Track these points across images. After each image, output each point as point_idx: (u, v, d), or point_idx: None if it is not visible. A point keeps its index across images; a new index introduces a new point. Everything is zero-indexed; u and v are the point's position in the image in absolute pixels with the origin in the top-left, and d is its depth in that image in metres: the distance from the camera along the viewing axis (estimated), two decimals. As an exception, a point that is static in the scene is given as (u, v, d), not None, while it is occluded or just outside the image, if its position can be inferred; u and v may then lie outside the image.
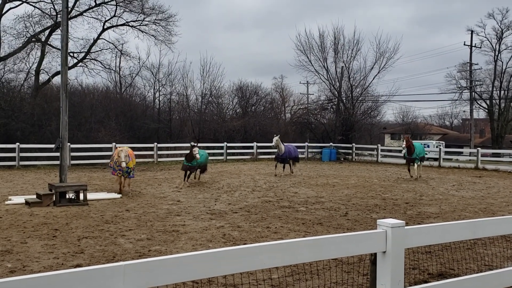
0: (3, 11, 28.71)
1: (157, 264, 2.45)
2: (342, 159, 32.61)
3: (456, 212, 11.72)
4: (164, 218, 10.37)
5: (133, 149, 27.87)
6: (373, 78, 38.50)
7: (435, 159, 29.66)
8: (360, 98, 38.92)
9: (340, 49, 38.10)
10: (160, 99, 38.51)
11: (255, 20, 68.21)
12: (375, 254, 3.71)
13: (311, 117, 40.18)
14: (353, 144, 33.25)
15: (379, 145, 32.68)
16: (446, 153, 31.59)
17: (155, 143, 27.09)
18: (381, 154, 31.60)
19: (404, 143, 19.82)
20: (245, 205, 12.39)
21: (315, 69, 38.66)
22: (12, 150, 22.70)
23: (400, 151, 33.71)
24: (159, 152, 27.13)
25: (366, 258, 6.61)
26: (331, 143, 34.00)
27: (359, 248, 3.54)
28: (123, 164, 13.46)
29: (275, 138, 20.15)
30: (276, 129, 38.25)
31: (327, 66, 38.36)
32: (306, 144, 33.43)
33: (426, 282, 5.83)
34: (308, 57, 38.29)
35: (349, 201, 13.41)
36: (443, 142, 49.48)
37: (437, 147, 36.95)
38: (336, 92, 38.92)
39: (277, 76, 66.70)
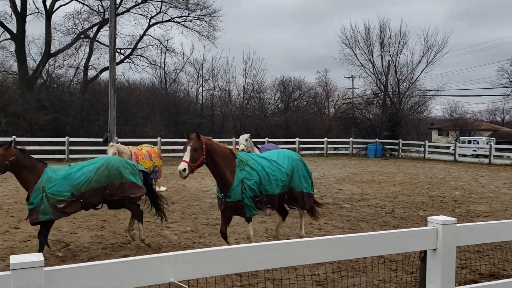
0: (54, 9, 29.82)
1: (206, 255, 2.44)
2: (388, 155, 31.90)
3: (508, 211, 11.20)
4: (208, 211, 10.45)
5: (177, 144, 28.66)
6: (421, 72, 37.46)
7: (485, 156, 28.49)
8: (407, 93, 37.93)
9: (386, 43, 37.28)
10: (203, 94, 39.01)
11: (291, 15, 67.78)
12: (425, 251, 3.58)
13: (356, 112, 39.50)
14: (400, 140, 32.45)
15: (426, 141, 31.70)
16: (497, 149, 30.25)
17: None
18: (428, 151, 30.70)
19: None
20: (288, 200, 12.30)
21: (360, 63, 38.02)
22: (62, 143, 23.57)
23: (448, 148, 32.70)
24: (203, 147, 27.37)
25: (413, 256, 6.41)
26: (376, 139, 33.32)
27: (408, 245, 3.43)
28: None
29: (244, 137, 11.85)
30: (319, 125, 37.95)
31: (373, 60, 37.64)
32: (350, 139, 32.92)
33: (476, 282, 5.58)
34: (353, 51, 37.71)
35: (395, 198, 13.08)
36: (494, 138, 47.43)
37: (487, 143, 35.46)
38: (382, 87, 38.09)
39: (321, 70, 65.99)
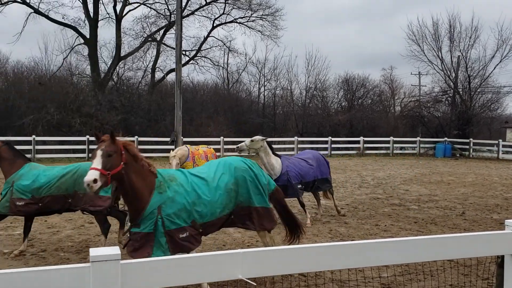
0: (124, 14, 31.21)
1: (272, 254, 2.46)
2: (457, 155, 30.47)
3: None
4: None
5: (239, 143, 28.79)
6: (494, 67, 35.35)
7: None
8: (478, 90, 35.99)
9: (456, 37, 35.56)
10: (265, 94, 39.22)
11: (353, 12, 66.24)
12: (502, 256, 3.38)
13: (424, 110, 38.01)
14: (471, 139, 30.88)
15: (500, 140, 29.91)
16: None
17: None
18: (502, 150, 28.96)
19: None
20: (352, 201, 12.10)
21: (428, 59, 36.54)
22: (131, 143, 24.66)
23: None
24: (264, 146, 27.58)
25: (486, 261, 6.07)
26: (445, 138, 31.93)
27: (484, 250, 3.23)
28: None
29: (257, 138, 9.21)
30: (385, 123, 36.93)
31: (441, 56, 36.06)
32: (417, 139, 31.78)
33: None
34: (420, 47, 36.33)
35: (466, 200, 12.46)
36: None
37: None
38: (451, 83, 36.41)
39: (386, 67, 64.20)
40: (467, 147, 30.49)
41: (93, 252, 2.08)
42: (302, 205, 9.18)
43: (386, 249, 2.90)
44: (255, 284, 2.47)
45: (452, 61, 36.07)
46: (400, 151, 31.74)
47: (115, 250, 2.08)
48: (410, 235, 8.31)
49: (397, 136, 32.82)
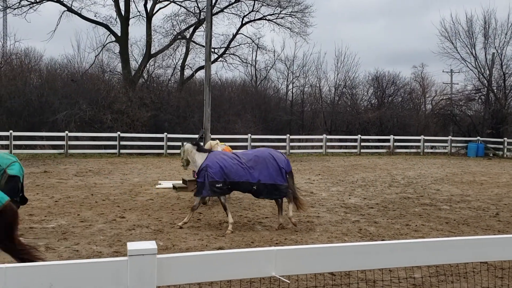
0: (154, 12, 31.59)
1: (305, 252, 2.45)
2: (491, 154, 29.67)
3: None
4: (298, 209, 10.45)
5: (266, 140, 29.10)
6: (532, 64, 34.21)
7: None
8: (514, 88, 34.92)
9: (491, 34, 34.55)
10: (293, 91, 39.04)
11: (383, 8, 65.04)
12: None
13: (455, 109, 37.13)
14: (505, 138, 29.98)
15: (536, 140, 28.98)
16: None
17: (287, 135, 27.57)
18: (538, 151, 28.05)
19: None
20: (382, 200, 11.94)
21: (461, 56, 35.63)
22: (161, 139, 24.99)
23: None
24: (291, 144, 27.60)
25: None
26: (478, 137, 31.13)
27: (523, 253, 3.14)
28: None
29: (183, 149, 9.43)
30: (415, 122, 36.25)
31: (475, 53, 35.11)
32: (449, 138, 31.10)
33: None
34: (453, 44, 35.47)
35: (500, 201, 12.14)
36: None
37: None
38: (485, 81, 35.45)
39: (417, 64, 63.00)
40: (501, 146, 29.64)
41: (131, 246, 2.12)
42: (224, 207, 8.32)
43: (418, 250, 2.86)
44: (289, 281, 2.47)
45: (486, 59, 35.10)
46: (431, 150, 31.11)
47: (152, 245, 2.12)
48: (442, 235, 8.15)
49: (428, 135, 32.18)
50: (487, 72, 35.21)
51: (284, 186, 8.29)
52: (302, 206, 8.57)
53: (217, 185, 8.00)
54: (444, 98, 39.89)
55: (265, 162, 8.22)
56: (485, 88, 35.65)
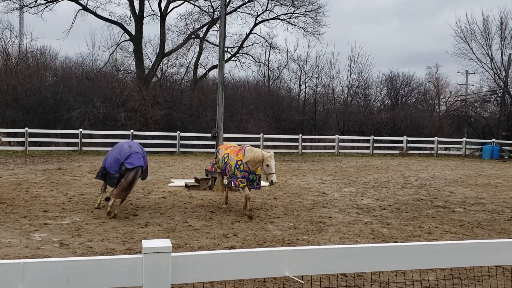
0: (168, 11, 31.74)
1: (318, 253, 2.45)
2: (506, 157, 29.28)
3: None
4: (310, 209, 10.45)
5: (279, 140, 29.15)
6: (548, 66, 33.69)
7: None
8: (530, 90, 34.43)
9: (508, 35, 34.11)
10: (306, 91, 38.95)
11: (394, 9, 64.38)
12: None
13: (470, 110, 36.70)
14: (520, 140, 29.61)
15: (552, 143, 28.53)
16: None
17: (300, 135, 27.53)
18: (555, 153, 27.61)
19: None
20: (395, 201, 11.86)
21: (476, 57, 35.22)
22: (173, 137, 25.11)
23: None
24: (303, 144, 27.55)
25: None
26: (493, 139, 30.73)
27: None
28: (275, 178, 9.17)
29: None
30: (429, 123, 35.91)
31: (491, 54, 34.67)
32: (463, 139, 30.77)
33: None
34: (469, 44, 35.07)
35: (515, 204, 11.97)
36: None
37: None
38: (501, 83, 34.99)
39: (431, 65, 62.48)
40: (517, 149, 29.25)
41: (146, 244, 2.13)
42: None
43: (431, 252, 2.83)
44: (303, 282, 2.46)
45: (502, 60, 34.66)
46: (445, 152, 30.81)
47: (167, 243, 2.13)
48: (455, 238, 8.08)
49: (442, 136, 31.87)
50: (503, 73, 34.76)
51: (113, 174, 9.12)
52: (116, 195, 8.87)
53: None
54: (459, 99, 39.45)
55: (113, 151, 9.44)
56: (501, 90, 35.19)
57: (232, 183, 10.06)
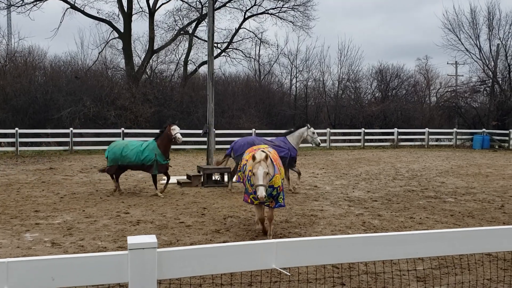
0: (157, 7, 31.56)
1: (305, 244, 2.46)
2: (496, 146, 29.53)
3: None
4: (302, 203, 10.48)
5: (271, 135, 29.13)
6: (537, 55, 33.95)
7: None
8: (519, 79, 34.70)
9: (496, 25, 34.29)
10: (297, 85, 38.96)
11: (369, 7, 64.32)
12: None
13: (460, 101, 36.93)
14: (510, 130, 29.83)
15: (542, 131, 28.80)
16: None
17: (291, 129, 27.51)
18: (544, 142, 27.89)
19: None
20: (386, 193, 11.93)
21: (465, 48, 35.39)
22: (165, 135, 25.01)
23: None
24: (296, 138, 27.52)
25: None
26: (483, 129, 30.98)
27: (525, 244, 3.13)
28: (261, 192, 6.50)
29: None
30: (420, 114, 36.06)
31: (479, 44, 34.86)
32: (454, 130, 30.98)
33: None
34: (457, 36, 35.22)
35: (505, 193, 12.09)
36: None
37: None
38: (490, 73, 35.22)
39: (421, 57, 62.70)
40: (507, 138, 29.48)
41: (131, 240, 2.13)
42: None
43: (421, 241, 2.85)
44: (289, 274, 2.48)
45: (491, 50, 34.88)
46: (436, 143, 31.02)
47: (152, 239, 2.13)
48: (446, 228, 8.14)
49: (432, 128, 32.07)
50: (492, 63, 34.99)
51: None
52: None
53: None
54: (449, 90, 39.68)
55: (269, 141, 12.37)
56: (490, 80, 35.44)
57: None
